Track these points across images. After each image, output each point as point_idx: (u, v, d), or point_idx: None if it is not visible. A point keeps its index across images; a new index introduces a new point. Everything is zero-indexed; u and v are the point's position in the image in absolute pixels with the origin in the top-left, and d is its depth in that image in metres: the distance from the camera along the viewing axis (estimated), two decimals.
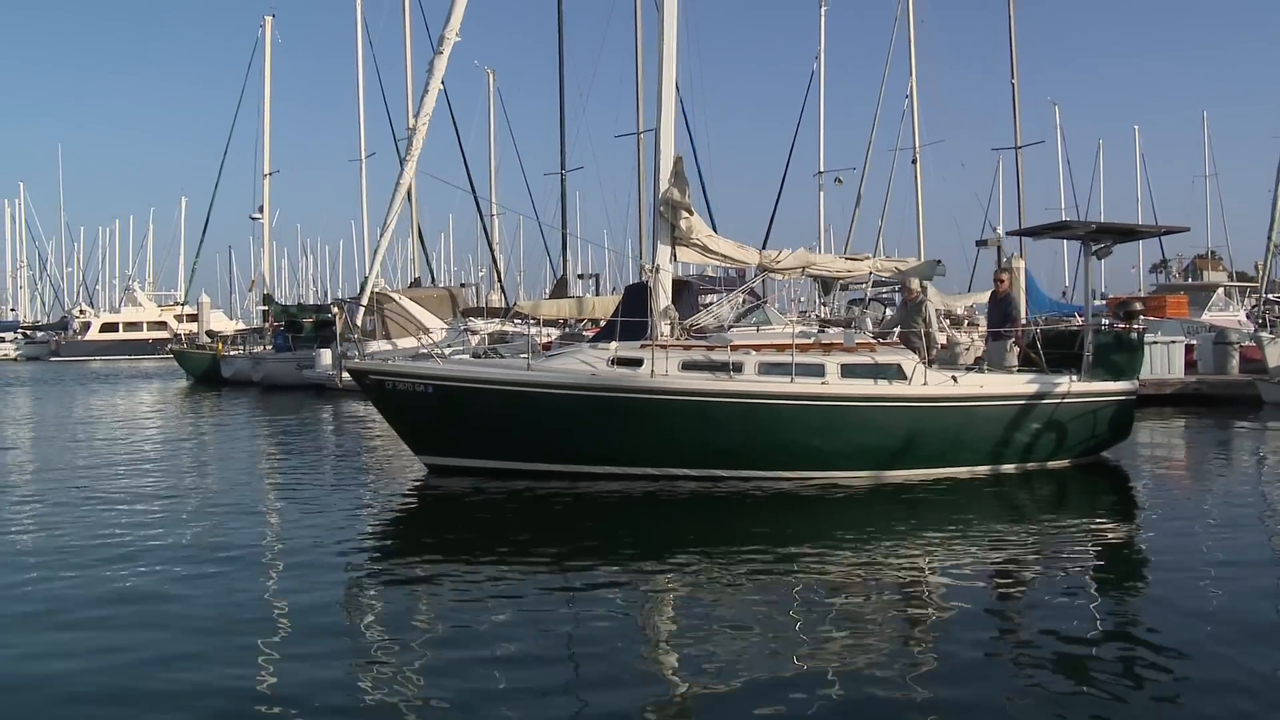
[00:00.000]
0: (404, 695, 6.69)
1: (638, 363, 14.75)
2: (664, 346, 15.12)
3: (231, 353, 44.02)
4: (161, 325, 75.54)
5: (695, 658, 7.33)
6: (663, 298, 16.40)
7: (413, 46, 39.18)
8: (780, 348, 15.05)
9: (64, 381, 46.98)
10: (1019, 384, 15.42)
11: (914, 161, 39.07)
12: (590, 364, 15.04)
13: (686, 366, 14.78)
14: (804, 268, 17.69)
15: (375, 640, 7.93)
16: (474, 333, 25.63)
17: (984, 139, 77.12)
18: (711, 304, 20.06)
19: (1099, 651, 7.46)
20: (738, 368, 14.68)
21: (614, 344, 15.29)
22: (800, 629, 7.94)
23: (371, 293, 37.33)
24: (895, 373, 14.76)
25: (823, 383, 14.54)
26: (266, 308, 47.17)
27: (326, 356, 34.01)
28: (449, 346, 26.74)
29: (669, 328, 16.19)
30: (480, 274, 63.85)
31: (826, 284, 39.64)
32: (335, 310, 19.11)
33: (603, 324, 26.38)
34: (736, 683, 6.78)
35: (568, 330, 33.33)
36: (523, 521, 12.53)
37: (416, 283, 42.73)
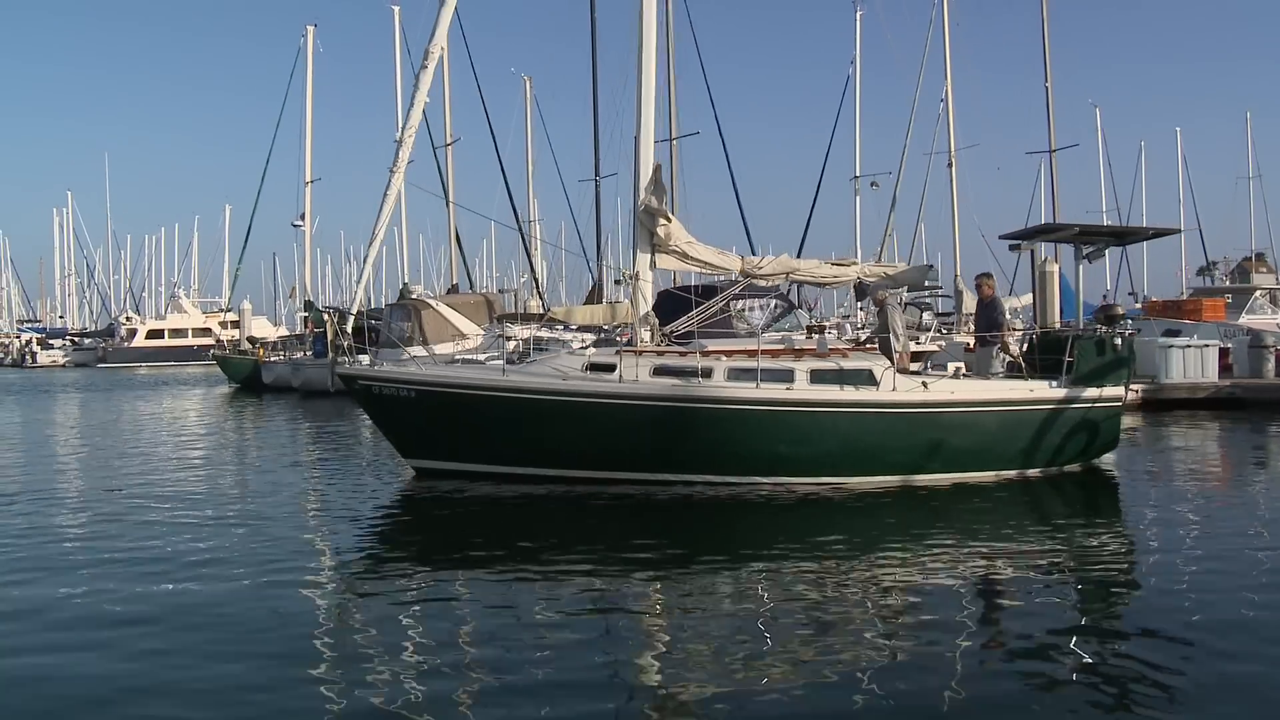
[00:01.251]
0: (389, 697, 6.83)
1: (611, 368, 14.90)
2: (639, 352, 15.22)
3: (272, 358, 44.54)
4: (206, 332, 76.37)
5: (673, 659, 7.53)
6: (643, 304, 16.54)
7: (449, 55, 39.50)
8: (751, 353, 15.04)
9: (110, 388, 47.85)
10: (992, 391, 15.18)
11: (949, 165, 38.90)
12: (563, 370, 15.26)
13: (658, 372, 14.86)
14: (787, 274, 17.67)
15: (363, 646, 8.03)
16: (508, 338, 25.92)
17: (1021, 142, 76.78)
18: (710, 310, 19.82)
19: (1077, 660, 7.50)
20: (707, 373, 14.71)
21: (590, 349, 15.45)
22: (778, 634, 8.04)
23: (407, 298, 37.89)
24: (865, 378, 14.63)
25: (788, 388, 14.47)
26: (306, 314, 47.71)
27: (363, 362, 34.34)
28: (485, 352, 27.09)
29: (649, 334, 16.31)
30: (522, 279, 64.18)
31: (861, 289, 39.68)
32: (326, 318, 19.46)
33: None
34: (714, 688, 6.87)
35: (602, 335, 33.54)
36: (500, 526, 12.81)
37: (454, 289, 43.10)
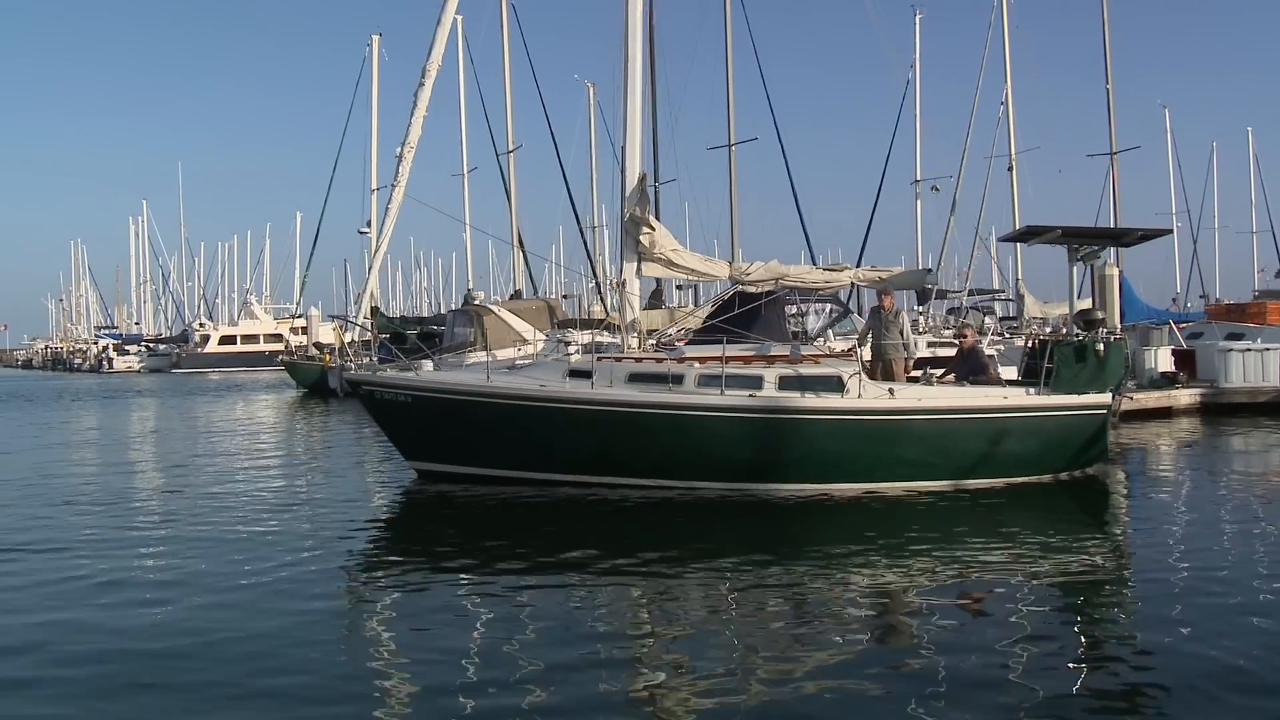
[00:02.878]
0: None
1: (588, 374, 15.12)
2: (617, 359, 15.48)
3: (336, 364, 45.27)
4: (278, 337, 77.73)
5: (656, 658, 7.77)
6: (629, 311, 16.81)
7: (511, 63, 40.06)
8: (725, 360, 15.01)
9: (181, 393, 49.07)
10: (961, 398, 14.88)
11: (1010, 169, 38.76)
12: (544, 376, 15.65)
13: (633, 378, 15.01)
14: (777, 279, 17.49)
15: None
16: (568, 343, 26.31)
17: (1086, 145, 75.92)
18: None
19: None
20: (678, 379, 14.76)
21: (574, 356, 15.77)
22: (751, 639, 8.16)
23: (470, 304, 38.46)
24: (832, 385, 14.48)
25: (750, 395, 14.41)
26: (371, 320, 48.54)
27: (427, 367, 35.01)
28: (547, 357, 27.48)
29: (636, 340, 16.55)
30: (589, 284, 64.63)
31: (921, 294, 39.56)
32: (335, 327, 20.26)
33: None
34: (691, 694, 6.96)
35: (663, 340, 33.85)
36: (486, 527, 13.24)
37: (517, 294, 43.61)
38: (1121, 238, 18.27)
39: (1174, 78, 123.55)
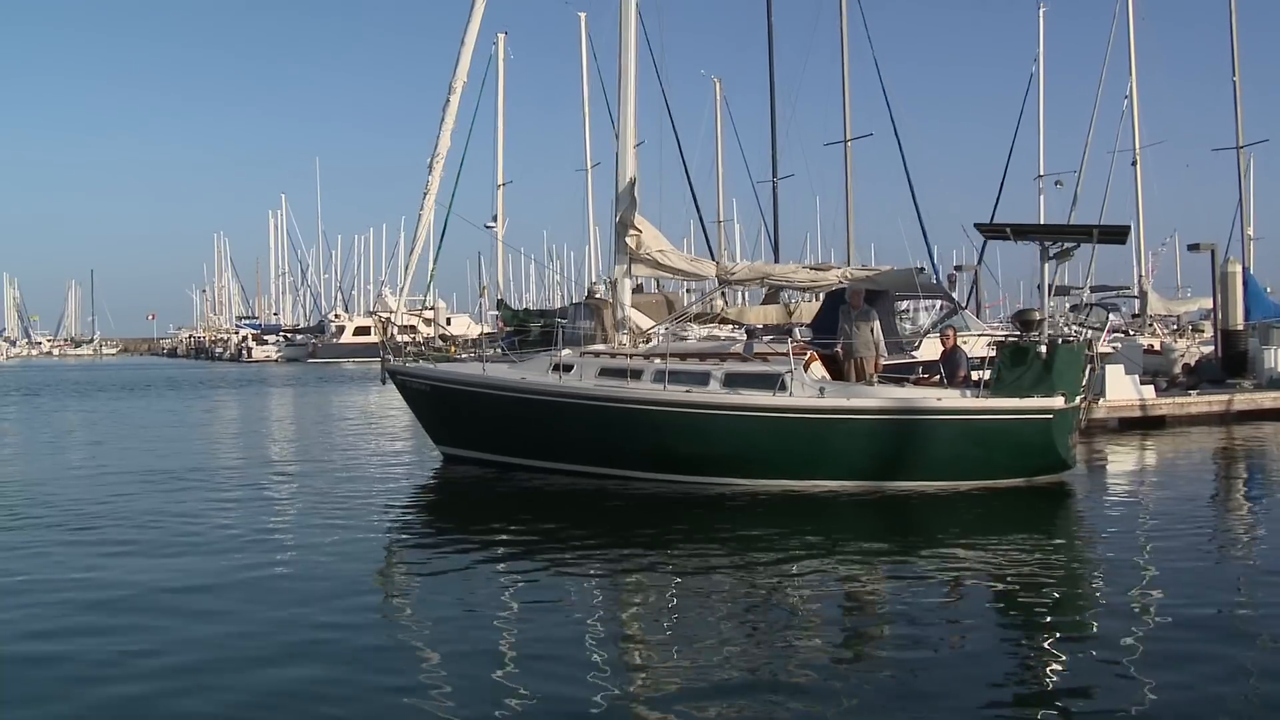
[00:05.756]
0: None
1: (570, 368, 15.95)
2: (597, 354, 16.41)
3: (463, 355, 46.78)
4: (411, 329, 79.74)
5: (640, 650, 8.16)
6: (620, 309, 17.61)
7: (636, 59, 40.73)
8: (683, 356, 15.51)
9: (312, 382, 51.45)
10: (889, 399, 14.58)
11: (1134, 163, 38.28)
12: (531, 367, 16.68)
13: (603, 372, 15.71)
14: (762, 279, 18.04)
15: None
16: (682, 337, 27.05)
17: (1213, 139, 73.67)
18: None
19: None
20: (636, 374, 15.32)
21: (564, 350, 16.59)
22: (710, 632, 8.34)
23: (591, 297, 39.38)
24: (770, 382, 14.56)
25: (686, 391, 14.78)
26: (498, 312, 49.94)
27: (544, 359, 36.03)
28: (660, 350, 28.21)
29: (628, 337, 17.29)
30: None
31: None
32: (376, 320, 21.47)
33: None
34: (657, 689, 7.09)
35: (778, 335, 34.29)
36: (480, 510, 14.38)
37: (639, 288, 44.46)
38: (1068, 235, 16.10)
39: None
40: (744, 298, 41.56)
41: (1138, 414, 22.42)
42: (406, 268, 20.98)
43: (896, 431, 14.43)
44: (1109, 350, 26.67)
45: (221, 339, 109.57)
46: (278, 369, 73.12)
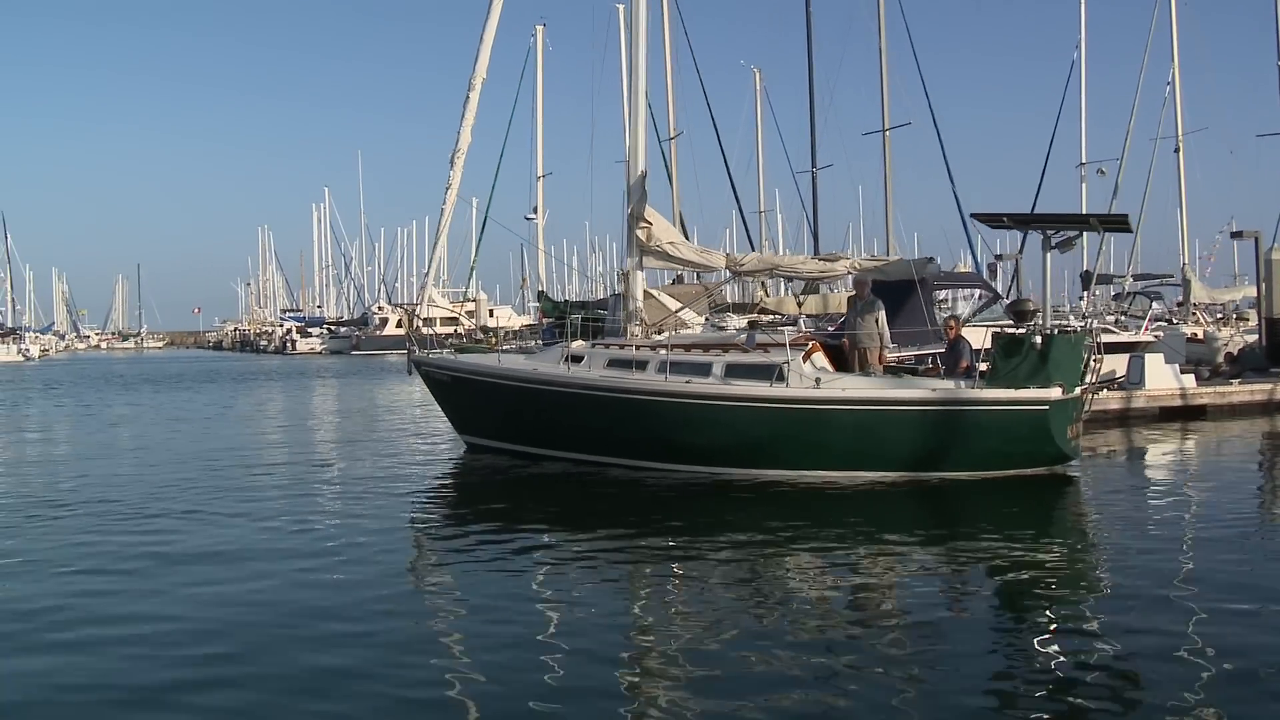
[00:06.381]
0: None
1: (580, 359, 16.19)
2: (608, 345, 16.73)
3: (505, 348, 47.15)
4: (454, 321, 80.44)
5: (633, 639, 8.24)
6: (630, 301, 17.72)
7: (672, 52, 40.78)
8: (688, 348, 15.63)
9: (354, 373, 52.14)
10: (884, 389, 14.59)
11: (1176, 150, 37.96)
12: (543, 358, 17.08)
13: (611, 364, 15.92)
14: (771, 269, 18.17)
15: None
16: (721, 328, 27.17)
17: (1257, 124, 72.81)
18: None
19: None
20: (641, 365, 15.54)
21: (576, 342, 16.85)
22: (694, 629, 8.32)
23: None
24: (769, 373, 14.66)
25: (686, 381, 14.92)
26: (538, 304, 50.26)
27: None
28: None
29: (640, 329, 17.42)
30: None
31: (1086, 279, 39.00)
32: (402, 313, 22.15)
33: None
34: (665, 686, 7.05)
35: (817, 326, 34.31)
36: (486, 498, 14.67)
37: (679, 279, 44.51)
38: (1062, 223, 15.93)
39: None
40: (785, 288, 41.63)
41: (1178, 403, 22.30)
42: (430, 261, 21.24)
43: (890, 422, 14.44)
44: (1150, 339, 26.60)
45: (266, 332, 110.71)
46: (322, 361, 73.91)
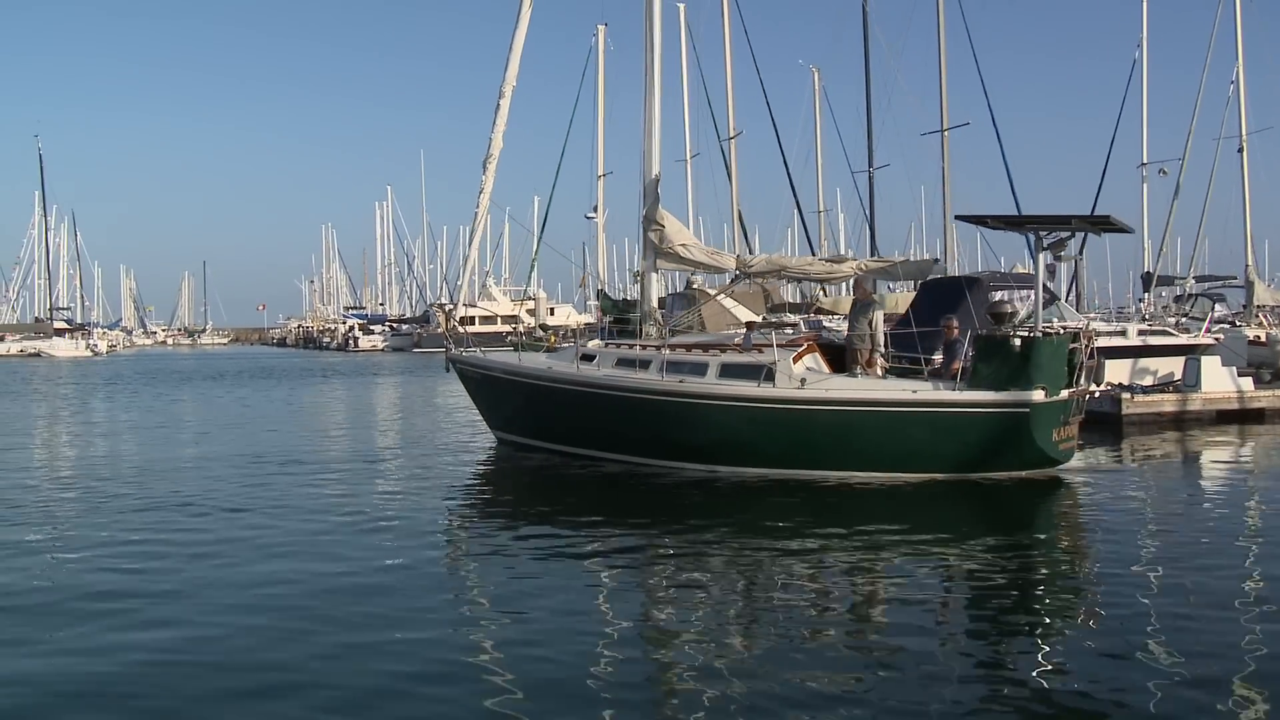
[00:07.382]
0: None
1: (592, 359, 16.62)
2: (619, 344, 17.18)
3: (563, 346, 47.78)
4: (515, 318, 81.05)
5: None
6: (646, 302, 18.23)
7: (732, 51, 40.98)
8: (688, 348, 15.96)
9: (413, 371, 52.87)
10: (866, 391, 14.67)
11: (1240, 150, 37.52)
12: (557, 359, 17.66)
13: (619, 363, 16.31)
14: (780, 270, 18.37)
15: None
16: (781, 328, 27.43)
17: None
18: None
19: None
20: (645, 364, 15.90)
21: (593, 342, 17.45)
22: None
23: (690, 288, 39.95)
24: (759, 373, 14.85)
25: (680, 380, 15.27)
26: (598, 302, 50.73)
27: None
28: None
29: (655, 329, 17.82)
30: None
31: (1146, 280, 38.63)
32: (439, 311, 22.96)
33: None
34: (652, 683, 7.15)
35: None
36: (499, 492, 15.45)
37: (737, 278, 44.71)
38: (1054, 225, 16.03)
39: None
40: (845, 289, 41.75)
41: (1235, 406, 22.20)
42: (465, 260, 21.95)
43: (871, 423, 14.54)
44: (1210, 341, 26.45)
45: (329, 329, 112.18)
46: (383, 358, 75.04)
